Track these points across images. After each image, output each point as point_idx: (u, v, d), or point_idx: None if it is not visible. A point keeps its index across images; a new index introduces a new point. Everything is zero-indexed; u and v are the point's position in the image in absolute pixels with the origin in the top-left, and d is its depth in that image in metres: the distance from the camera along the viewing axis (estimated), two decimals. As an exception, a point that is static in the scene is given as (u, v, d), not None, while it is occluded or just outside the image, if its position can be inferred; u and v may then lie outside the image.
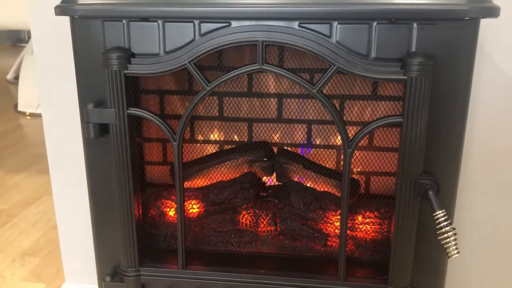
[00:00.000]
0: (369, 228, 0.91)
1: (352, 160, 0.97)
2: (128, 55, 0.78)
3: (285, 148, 1.01)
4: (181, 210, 0.85)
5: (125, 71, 0.78)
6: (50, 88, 1.10)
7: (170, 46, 0.78)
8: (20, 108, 3.19)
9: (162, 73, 0.78)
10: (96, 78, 0.81)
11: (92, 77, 0.82)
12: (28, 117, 3.12)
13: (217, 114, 1.04)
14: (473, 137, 1.02)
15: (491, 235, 1.09)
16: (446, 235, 0.74)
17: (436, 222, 0.74)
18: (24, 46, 3.79)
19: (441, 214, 0.74)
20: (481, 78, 0.99)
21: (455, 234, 0.74)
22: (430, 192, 0.76)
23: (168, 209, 0.97)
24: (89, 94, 0.83)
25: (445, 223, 0.74)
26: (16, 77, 3.73)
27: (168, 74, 0.96)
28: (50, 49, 1.07)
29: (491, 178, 1.05)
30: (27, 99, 3.15)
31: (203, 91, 0.78)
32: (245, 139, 1.04)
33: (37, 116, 3.07)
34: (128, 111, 0.80)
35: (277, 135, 1.03)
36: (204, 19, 0.76)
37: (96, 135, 0.81)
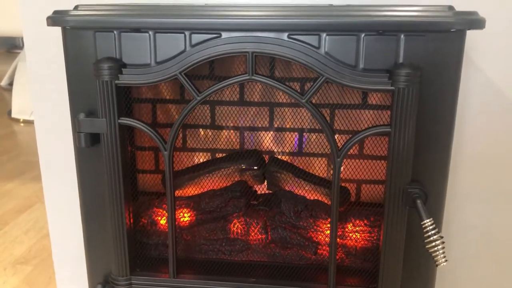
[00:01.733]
0: (359, 236, 0.92)
1: (342, 168, 0.99)
2: (119, 65, 0.79)
3: (276, 156, 1.02)
4: (172, 218, 0.85)
5: (116, 81, 0.79)
6: (42, 95, 1.10)
7: (161, 57, 0.79)
8: (14, 115, 3.18)
9: (153, 83, 0.79)
10: (88, 88, 0.82)
11: (84, 87, 0.82)
12: (22, 124, 3.12)
13: (209, 122, 1.05)
14: (463, 145, 1.03)
15: (482, 242, 1.10)
16: (434, 243, 0.74)
17: (424, 230, 0.75)
18: (19, 52, 3.79)
19: (429, 223, 0.75)
20: (470, 87, 1.00)
21: (443, 242, 0.75)
22: (418, 201, 0.77)
23: (159, 218, 0.97)
24: (80, 104, 0.83)
25: (433, 232, 0.74)
26: (10, 84, 3.72)
27: (160, 83, 0.98)
28: (42, 57, 1.07)
29: (481, 185, 1.06)
30: (21, 105, 3.15)
31: (194, 101, 0.79)
32: (237, 148, 1.05)
33: (31, 123, 3.07)
34: (119, 121, 0.81)
35: (268, 144, 1.04)
36: (194, 30, 0.77)
37: (87, 145, 0.82)
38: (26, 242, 1.63)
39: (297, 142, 1.02)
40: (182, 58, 0.78)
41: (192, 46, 0.78)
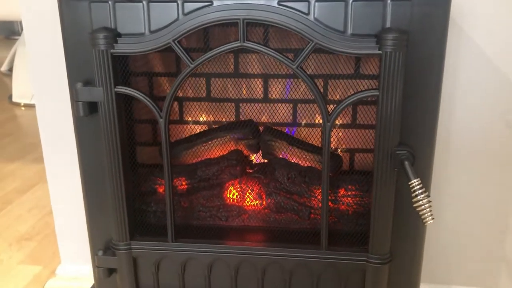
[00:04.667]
0: (351, 201, 0.95)
1: (336, 138, 1.01)
2: (114, 34, 0.81)
3: (271, 126, 1.04)
4: (169, 182, 0.88)
5: (112, 50, 0.81)
6: (43, 75, 1.12)
7: (155, 26, 0.81)
8: (14, 99, 3.21)
9: (147, 51, 0.81)
10: (84, 58, 0.84)
11: (80, 57, 0.85)
12: (23, 108, 3.15)
13: (204, 95, 1.07)
14: (455, 112, 1.05)
15: (473, 206, 1.12)
16: (421, 202, 0.77)
17: (412, 190, 0.78)
18: (18, 38, 3.80)
19: (416, 183, 0.77)
20: (461, 55, 1.01)
21: (429, 201, 0.77)
22: (406, 162, 0.79)
23: (158, 186, 1.00)
24: (78, 74, 0.86)
25: (420, 191, 0.77)
26: (10, 69, 3.74)
27: (157, 57, 1.00)
28: (41, 37, 1.09)
29: (474, 152, 1.08)
30: (21, 90, 3.17)
31: (187, 69, 0.81)
32: (233, 119, 1.07)
33: (31, 106, 3.10)
34: (115, 89, 0.83)
35: (264, 114, 1.06)
36: (187, -2, 0.79)
37: (85, 113, 0.84)
38: (30, 219, 1.67)
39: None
40: (175, 26, 0.80)
41: (185, 14, 0.80)
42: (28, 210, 1.74)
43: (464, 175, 1.10)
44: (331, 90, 1.02)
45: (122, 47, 0.81)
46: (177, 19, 0.80)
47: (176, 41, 0.80)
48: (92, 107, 0.85)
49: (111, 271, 0.95)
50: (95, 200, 0.93)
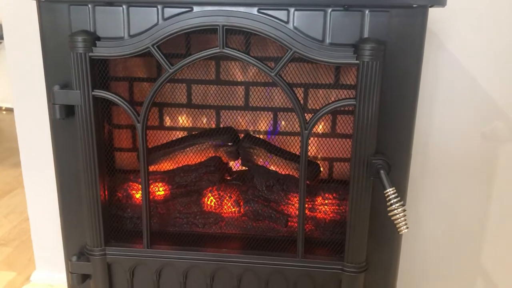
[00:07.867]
0: (328, 209, 0.95)
1: (315, 146, 1.02)
2: (93, 38, 0.80)
3: (251, 133, 1.04)
4: (145, 186, 0.87)
5: (90, 54, 0.80)
6: (22, 79, 1.12)
7: (134, 30, 0.81)
8: (-5, 103, 3.18)
9: (126, 55, 0.81)
10: (63, 60, 0.83)
11: (59, 59, 0.84)
12: (4, 112, 3.11)
13: (185, 101, 1.07)
14: (433, 124, 1.07)
15: (449, 218, 1.13)
16: (395, 211, 0.77)
17: (387, 199, 0.78)
18: (1, 42, 3.76)
19: (391, 192, 0.78)
20: (439, 67, 1.03)
21: (404, 210, 0.78)
22: (382, 171, 0.80)
23: (134, 192, 0.99)
24: (55, 76, 0.85)
25: (394, 200, 0.77)
26: (-7, 73, 3.69)
27: (139, 63, 1.00)
28: (20, 40, 1.09)
29: (451, 164, 1.10)
30: (3, 94, 3.14)
31: (166, 73, 0.81)
32: (213, 125, 1.07)
33: (13, 111, 3.06)
34: (93, 93, 0.83)
35: (244, 121, 1.06)
36: (167, 4, 0.79)
37: (62, 116, 0.83)
38: (6, 225, 1.64)
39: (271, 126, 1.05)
40: (154, 31, 0.80)
41: (165, 19, 0.80)
42: (4, 216, 1.71)
43: (441, 186, 1.11)
44: (311, 99, 1.03)
45: (101, 51, 0.81)
46: (156, 24, 0.80)
47: (155, 46, 0.80)
48: (69, 110, 0.84)
49: (85, 277, 0.93)
50: (71, 204, 0.92)
